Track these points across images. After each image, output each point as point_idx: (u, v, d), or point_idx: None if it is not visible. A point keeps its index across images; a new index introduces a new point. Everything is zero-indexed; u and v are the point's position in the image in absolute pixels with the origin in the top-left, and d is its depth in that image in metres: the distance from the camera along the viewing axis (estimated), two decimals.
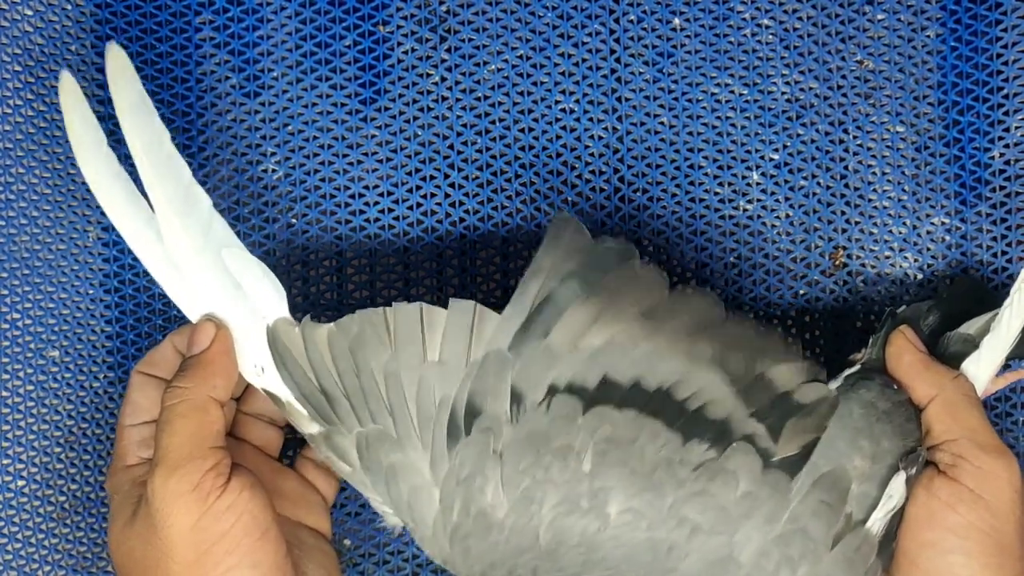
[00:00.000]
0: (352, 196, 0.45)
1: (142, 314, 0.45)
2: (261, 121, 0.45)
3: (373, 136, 0.45)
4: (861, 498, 0.36)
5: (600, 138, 0.45)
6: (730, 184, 0.45)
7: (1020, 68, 0.44)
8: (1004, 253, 0.44)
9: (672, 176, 0.45)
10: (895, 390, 0.39)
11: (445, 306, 0.36)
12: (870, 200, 0.45)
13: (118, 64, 0.37)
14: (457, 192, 0.45)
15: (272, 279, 0.38)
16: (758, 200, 0.45)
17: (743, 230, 0.45)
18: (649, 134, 0.45)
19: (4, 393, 0.45)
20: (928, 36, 0.45)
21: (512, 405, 0.36)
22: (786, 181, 0.44)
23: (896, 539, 0.37)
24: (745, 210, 0.45)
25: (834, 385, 0.39)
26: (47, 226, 0.45)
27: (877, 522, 0.37)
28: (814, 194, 0.45)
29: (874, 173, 0.45)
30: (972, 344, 0.39)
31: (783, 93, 0.45)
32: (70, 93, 0.37)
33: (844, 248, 0.45)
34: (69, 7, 0.45)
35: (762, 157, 0.45)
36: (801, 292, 0.45)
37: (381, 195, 0.45)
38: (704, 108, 0.45)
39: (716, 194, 0.45)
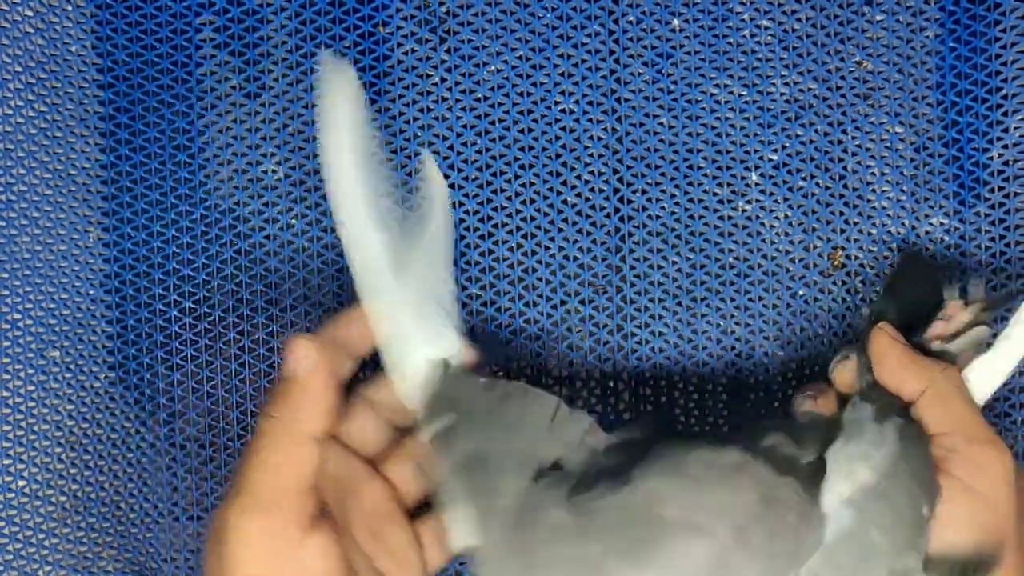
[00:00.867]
0: None
1: (142, 314, 0.45)
2: (261, 121, 0.45)
3: (373, 136, 0.45)
4: None
5: (599, 138, 0.45)
6: (729, 184, 0.45)
7: (1019, 68, 0.44)
8: (1003, 253, 0.44)
9: (671, 176, 0.45)
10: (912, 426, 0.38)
11: None
12: (869, 200, 0.45)
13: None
14: (457, 192, 0.45)
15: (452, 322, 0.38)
16: (757, 200, 0.45)
17: (742, 230, 0.45)
18: (648, 134, 0.45)
19: (4, 393, 0.45)
20: (927, 36, 0.45)
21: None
22: (785, 181, 0.45)
23: None
24: (744, 210, 0.45)
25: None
26: (47, 226, 0.45)
27: None
28: (813, 194, 0.45)
29: (873, 174, 0.45)
30: (951, 359, 0.39)
31: (782, 94, 0.45)
32: (341, 84, 0.35)
33: (843, 248, 0.45)
34: (69, 7, 0.45)
35: (761, 157, 0.45)
36: (800, 292, 0.45)
37: (381, 195, 0.45)
38: (703, 109, 0.45)
39: (715, 194, 0.45)
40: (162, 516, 0.46)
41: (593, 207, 0.45)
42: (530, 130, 0.45)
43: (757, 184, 0.45)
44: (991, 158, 0.44)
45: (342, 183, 0.37)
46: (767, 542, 0.33)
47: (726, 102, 0.45)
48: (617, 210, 0.45)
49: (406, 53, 0.45)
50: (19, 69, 0.45)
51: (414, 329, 0.38)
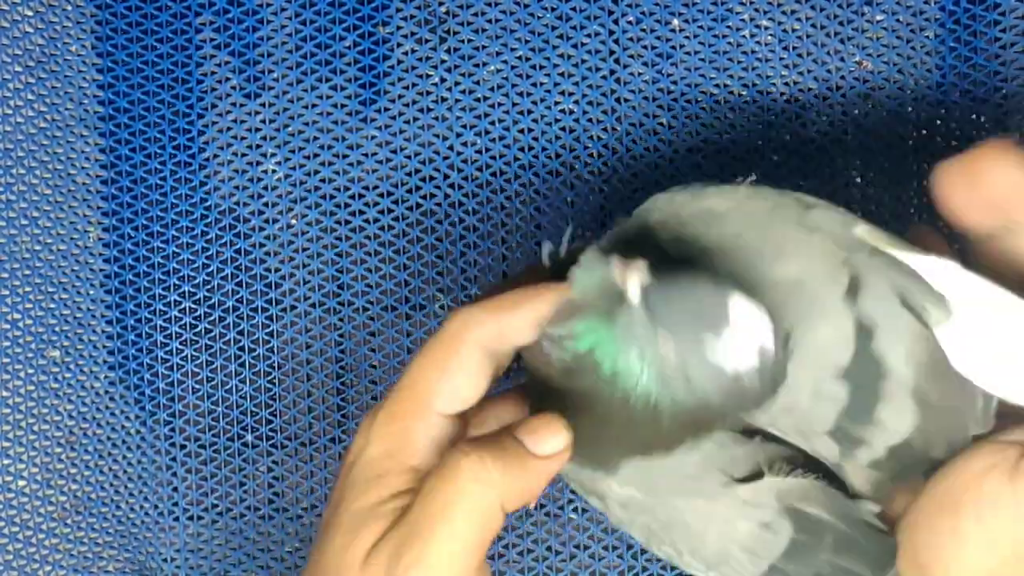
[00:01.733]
0: (352, 196, 0.45)
1: (142, 314, 0.45)
2: (261, 121, 0.45)
3: (373, 136, 0.45)
4: None
5: (599, 139, 0.45)
6: None
7: (1019, 68, 0.44)
8: None
9: (671, 176, 0.45)
10: None
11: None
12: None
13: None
14: (457, 192, 0.45)
15: None
16: None
17: None
18: (648, 134, 0.45)
19: (4, 393, 0.45)
20: (927, 37, 0.45)
21: None
22: (785, 182, 0.45)
23: None
24: None
25: None
26: (47, 226, 0.45)
27: None
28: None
29: (873, 174, 0.45)
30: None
31: (782, 94, 0.45)
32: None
33: None
34: (69, 7, 0.45)
35: (761, 158, 0.45)
36: None
37: (381, 195, 0.45)
38: (703, 108, 0.45)
39: None
40: (162, 516, 0.46)
41: (593, 207, 0.45)
42: (529, 130, 0.45)
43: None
44: None
45: None
46: None
47: (726, 102, 0.45)
48: (617, 210, 0.45)
49: (406, 53, 0.45)
50: (19, 69, 0.45)
51: None
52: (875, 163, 0.45)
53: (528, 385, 0.34)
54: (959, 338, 0.32)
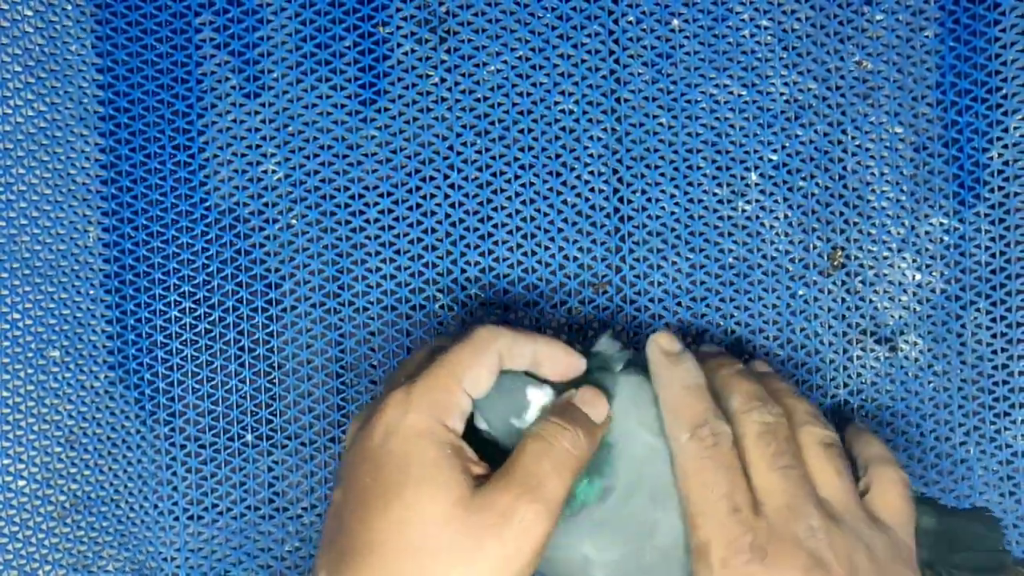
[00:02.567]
0: (352, 196, 0.45)
1: (142, 314, 0.45)
2: (261, 121, 0.45)
3: (373, 136, 0.45)
4: None
5: (599, 139, 0.45)
6: (729, 185, 0.45)
7: (1019, 68, 0.44)
8: (1002, 253, 0.44)
9: (671, 177, 0.45)
10: None
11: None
12: (868, 200, 0.45)
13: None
14: (457, 192, 0.45)
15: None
16: (757, 201, 0.45)
17: (741, 231, 0.45)
18: (648, 134, 0.45)
19: (4, 393, 0.45)
20: (927, 36, 0.45)
21: None
22: (784, 182, 0.45)
23: None
24: (744, 211, 0.45)
25: None
26: (47, 226, 0.45)
27: None
28: (812, 194, 0.45)
29: (872, 174, 0.45)
30: None
31: (782, 94, 0.45)
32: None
33: (843, 248, 0.45)
34: (69, 7, 0.45)
35: (760, 158, 0.45)
36: (800, 292, 0.45)
37: (381, 195, 0.45)
38: (703, 109, 0.45)
39: (715, 195, 0.45)
40: (162, 516, 0.46)
41: (593, 207, 0.45)
42: (529, 130, 0.45)
43: (757, 184, 0.45)
44: (991, 158, 0.45)
45: None
46: None
47: (726, 102, 0.45)
48: (617, 210, 0.45)
49: (406, 53, 0.45)
50: (19, 69, 0.45)
51: None
52: (875, 163, 0.45)
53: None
54: None
